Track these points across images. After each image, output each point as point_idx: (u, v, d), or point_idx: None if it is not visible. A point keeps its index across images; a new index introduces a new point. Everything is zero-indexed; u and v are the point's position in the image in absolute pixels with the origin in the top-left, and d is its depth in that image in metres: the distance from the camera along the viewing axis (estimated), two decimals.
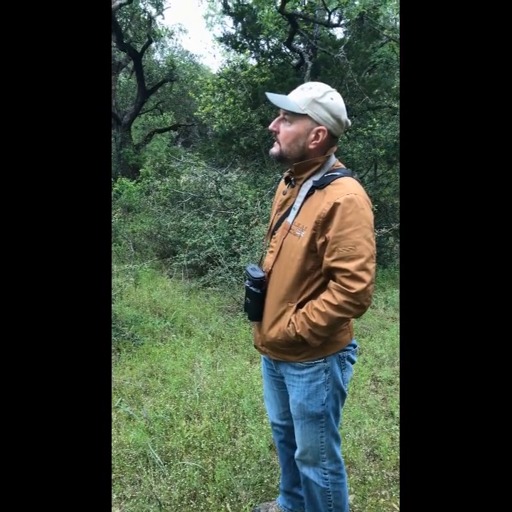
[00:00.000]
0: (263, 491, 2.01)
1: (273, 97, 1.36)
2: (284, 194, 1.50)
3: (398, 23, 7.23)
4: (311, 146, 1.36)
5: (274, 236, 1.49)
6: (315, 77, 6.51)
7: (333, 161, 1.42)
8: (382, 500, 2.00)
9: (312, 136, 1.35)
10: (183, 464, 2.14)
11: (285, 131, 1.37)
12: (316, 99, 1.32)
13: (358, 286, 1.26)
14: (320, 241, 1.32)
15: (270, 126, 1.41)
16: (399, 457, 2.26)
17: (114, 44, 9.66)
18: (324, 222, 1.30)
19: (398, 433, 2.44)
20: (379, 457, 2.28)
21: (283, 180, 1.55)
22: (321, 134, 1.35)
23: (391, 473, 2.17)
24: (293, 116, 1.35)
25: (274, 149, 1.41)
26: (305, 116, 1.33)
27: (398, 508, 1.97)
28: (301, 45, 7.26)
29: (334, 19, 6.72)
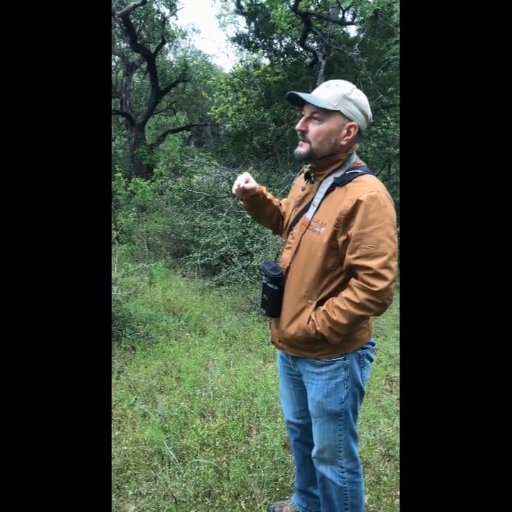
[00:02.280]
0: (277, 489, 2.01)
1: (304, 95, 1.35)
2: (303, 190, 1.49)
3: None
4: (343, 142, 1.37)
5: (291, 232, 1.49)
6: (328, 75, 6.48)
7: (355, 158, 1.42)
8: (397, 500, 1.99)
9: (344, 132, 1.35)
10: (198, 461, 2.14)
11: (316, 129, 1.36)
12: (346, 95, 1.33)
13: (380, 284, 1.25)
14: (342, 238, 1.31)
15: (297, 126, 1.39)
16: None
17: (128, 45, 9.75)
18: (346, 219, 1.29)
19: None
20: (394, 458, 2.26)
21: (302, 176, 1.55)
22: (352, 129, 1.36)
23: None
24: (325, 113, 1.34)
25: (302, 149, 1.39)
26: (337, 112, 1.33)
27: None
28: (315, 44, 7.23)
29: (348, 17, 6.68)
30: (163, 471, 2.09)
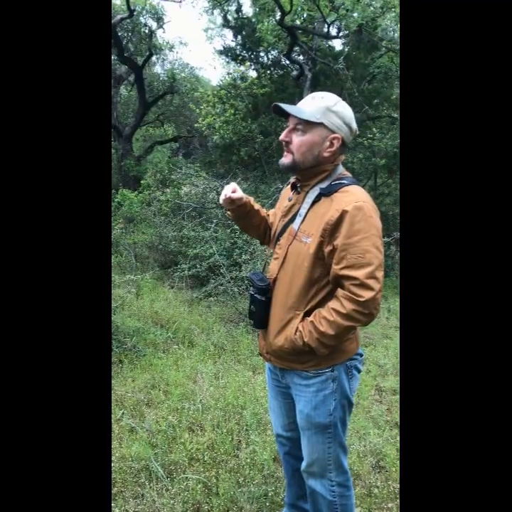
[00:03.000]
0: (267, 504, 1.98)
1: (287, 107, 1.36)
2: (290, 200, 1.49)
3: (397, 35, 7.30)
4: (326, 154, 1.37)
5: (278, 243, 1.48)
6: (315, 88, 6.56)
7: (341, 169, 1.43)
8: None
9: (327, 144, 1.36)
10: (186, 477, 2.10)
11: (300, 140, 1.36)
12: (330, 107, 1.34)
13: (367, 295, 1.25)
14: (328, 248, 1.31)
15: (281, 137, 1.40)
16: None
17: (115, 57, 9.77)
18: (332, 230, 1.30)
19: None
20: (385, 469, 2.24)
21: (288, 187, 1.55)
22: (335, 141, 1.36)
23: (397, 486, 2.13)
24: (308, 125, 1.34)
25: (286, 160, 1.40)
26: (320, 124, 1.34)
27: None
28: (301, 57, 7.33)
29: (333, 31, 6.79)
30: (150, 487, 2.05)
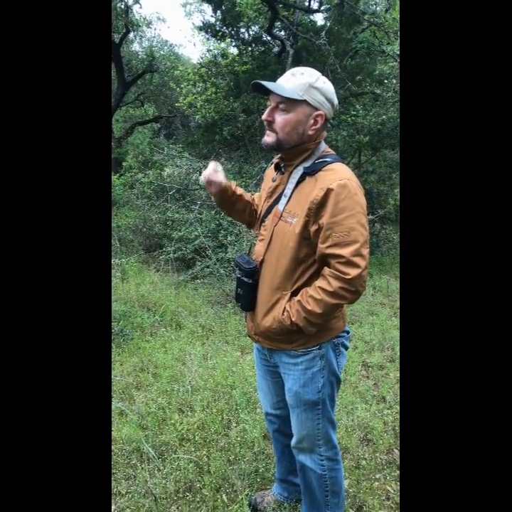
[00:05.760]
0: (258, 480, 2.02)
1: (268, 85, 1.31)
2: (274, 181, 1.47)
3: (379, 8, 7.19)
4: (311, 132, 1.35)
5: (263, 224, 1.47)
6: (297, 64, 6.44)
7: (323, 146, 1.41)
8: (377, 483, 2.02)
9: (311, 121, 1.33)
10: (178, 457, 2.13)
11: (283, 119, 1.32)
12: (312, 83, 1.30)
13: (353, 272, 1.25)
14: (313, 228, 1.31)
15: (264, 116, 1.36)
16: (391, 441, 2.29)
17: None
18: (317, 209, 1.28)
19: (390, 417, 2.47)
20: (372, 441, 2.30)
21: (272, 167, 1.53)
22: (319, 119, 1.33)
23: (384, 457, 2.20)
24: (290, 103, 1.31)
25: (269, 139, 1.37)
26: (303, 102, 1.30)
27: (392, 491, 1.99)
28: (282, 33, 7.18)
29: (314, 5, 6.65)
30: (142, 468, 2.07)
